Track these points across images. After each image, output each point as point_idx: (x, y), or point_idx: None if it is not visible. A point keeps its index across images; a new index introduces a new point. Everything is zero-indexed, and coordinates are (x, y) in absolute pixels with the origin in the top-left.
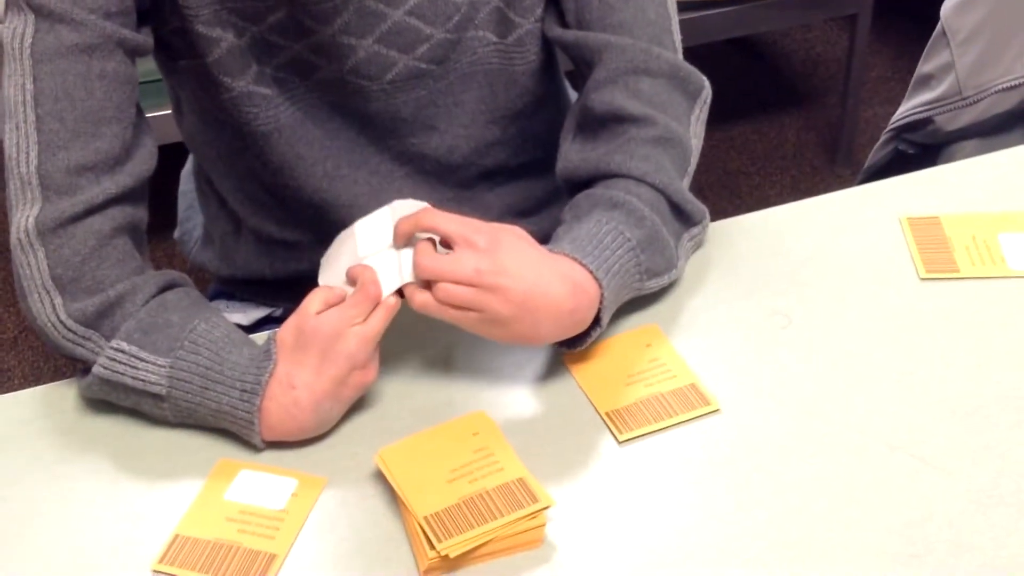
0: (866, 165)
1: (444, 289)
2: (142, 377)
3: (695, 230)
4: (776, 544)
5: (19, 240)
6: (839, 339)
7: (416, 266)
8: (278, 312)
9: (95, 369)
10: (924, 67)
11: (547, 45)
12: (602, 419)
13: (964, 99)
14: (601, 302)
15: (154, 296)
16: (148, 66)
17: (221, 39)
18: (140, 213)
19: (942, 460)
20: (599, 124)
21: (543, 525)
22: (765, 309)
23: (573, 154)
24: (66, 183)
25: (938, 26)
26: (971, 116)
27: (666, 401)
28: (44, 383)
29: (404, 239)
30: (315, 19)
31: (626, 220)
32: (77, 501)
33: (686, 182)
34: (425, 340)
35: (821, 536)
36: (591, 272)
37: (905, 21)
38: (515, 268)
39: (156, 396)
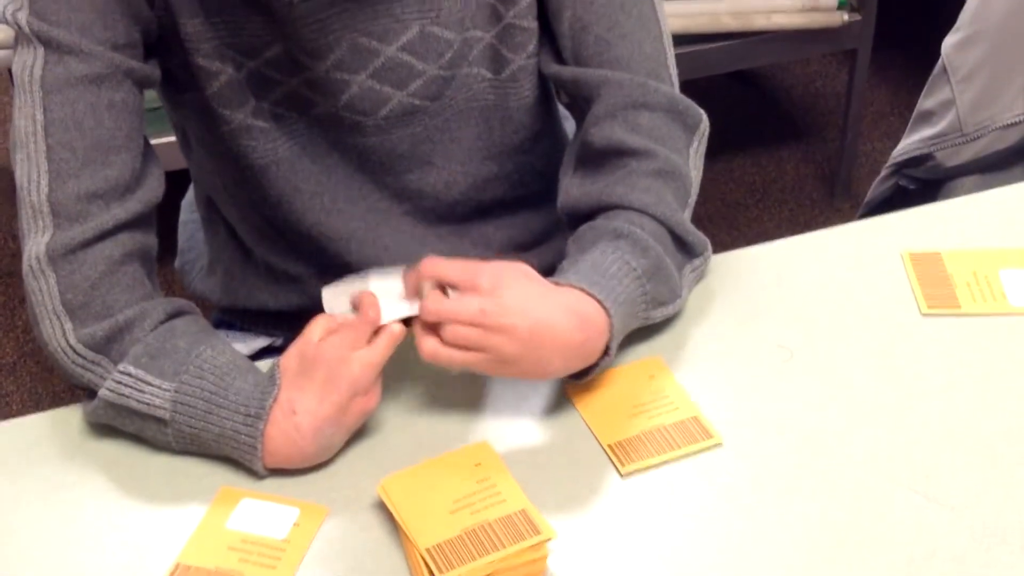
0: (866, 200)
1: (451, 331)
2: (147, 400)
3: (697, 261)
4: None
5: (31, 267)
6: (841, 374)
7: (422, 311)
8: (279, 342)
9: (101, 392)
10: (925, 103)
11: (542, 80)
12: (605, 451)
13: (965, 135)
14: (610, 332)
15: (163, 322)
16: (149, 94)
17: (220, 72)
18: (150, 240)
19: (944, 496)
20: (599, 158)
21: (545, 557)
22: (767, 343)
23: (574, 188)
24: (76, 210)
25: (939, 62)
26: (972, 152)
27: (669, 434)
28: (43, 408)
29: (413, 292)
30: (309, 55)
31: (631, 250)
32: (79, 528)
33: (687, 214)
34: (428, 370)
35: (823, 571)
36: (599, 302)
37: (905, 56)
38: (520, 306)
39: (160, 421)
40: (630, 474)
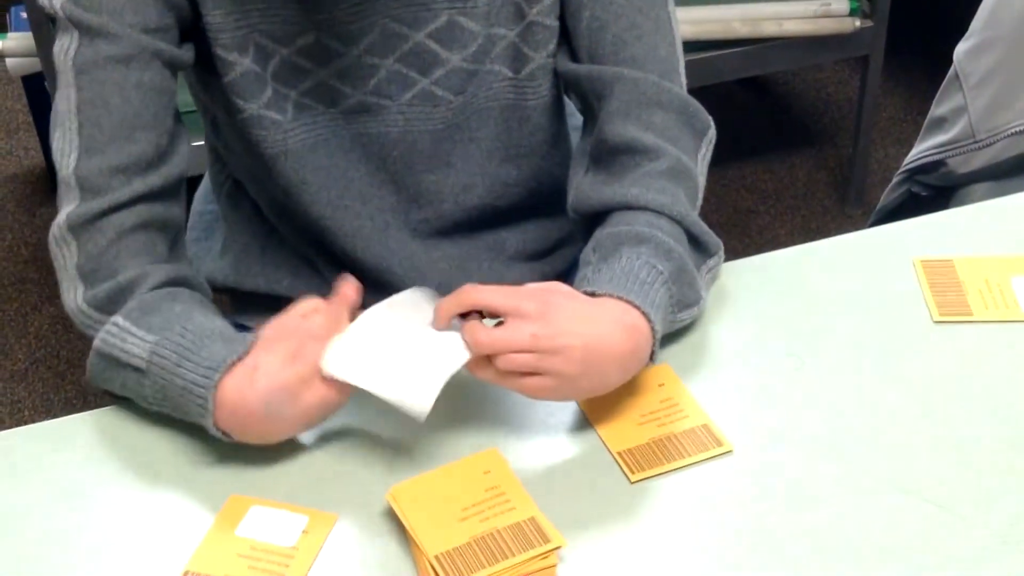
0: (878, 206)
1: (505, 360)
2: (128, 349)
3: (712, 262)
4: None
5: (54, 236)
6: (852, 381)
7: (474, 343)
8: None
9: (94, 344)
10: (937, 110)
11: (557, 82)
12: (614, 459)
13: (977, 142)
14: (654, 336)
15: (164, 284)
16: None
17: (237, 63)
18: (172, 211)
19: (956, 505)
20: (612, 156)
21: (554, 565)
22: (778, 350)
23: (586, 187)
24: (99, 183)
25: (951, 69)
26: (984, 159)
27: (678, 442)
28: (55, 414)
29: (446, 319)
30: (342, 40)
31: (655, 253)
32: (89, 535)
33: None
34: None
35: None
36: (639, 308)
37: (917, 62)
38: (570, 326)
39: (138, 371)
40: (639, 482)
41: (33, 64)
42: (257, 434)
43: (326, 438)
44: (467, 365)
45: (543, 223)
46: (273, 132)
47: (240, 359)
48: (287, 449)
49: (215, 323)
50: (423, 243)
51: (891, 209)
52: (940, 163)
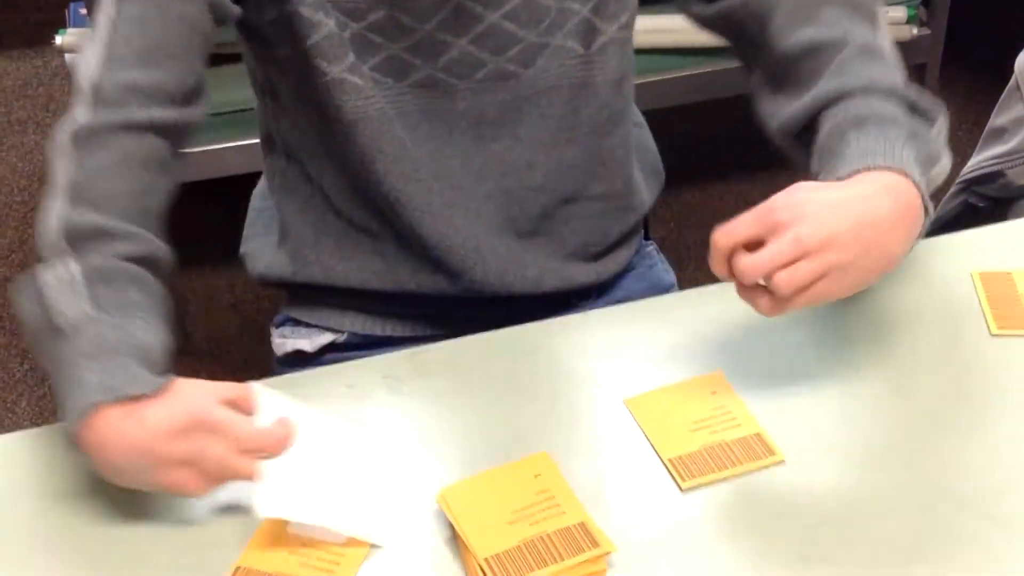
0: (935, 216)
1: (780, 279)
2: (61, 302)
3: (938, 126)
4: None
5: (57, 143)
6: (908, 393)
7: (741, 274)
8: (342, 338)
9: (42, 271)
10: (996, 120)
11: (624, 59)
12: (664, 466)
13: None
14: (918, 188)
15: (139, 257)
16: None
17: (323, 24)
18: (177, 164)
19: (1012, 520)
20: (796, 65)
21: (604, 570)
22: (832, 360)
23: (783, 107)
24: (117, 97)
25: (1012, 79)
26: None
27: (730, 450)
28: (51, 422)
29: (724, 271)
30: (413, 16)
31: (880, 124)
32: (141, 529)
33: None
34: (485, 380)
35: None
36: (892, 168)
37: (975, 71)
38: (828, 214)
39: (55, 327)
40: (690, 489)
41: None
42: (106, 470)
43: (377, 438)
44: (755, 305)
45: (603, 216)
46: (354, 97)
47: (140, 398)
48: None
49: (150, 338)
50: (487, 227)
51: (948, 220)
52: (999, 174)
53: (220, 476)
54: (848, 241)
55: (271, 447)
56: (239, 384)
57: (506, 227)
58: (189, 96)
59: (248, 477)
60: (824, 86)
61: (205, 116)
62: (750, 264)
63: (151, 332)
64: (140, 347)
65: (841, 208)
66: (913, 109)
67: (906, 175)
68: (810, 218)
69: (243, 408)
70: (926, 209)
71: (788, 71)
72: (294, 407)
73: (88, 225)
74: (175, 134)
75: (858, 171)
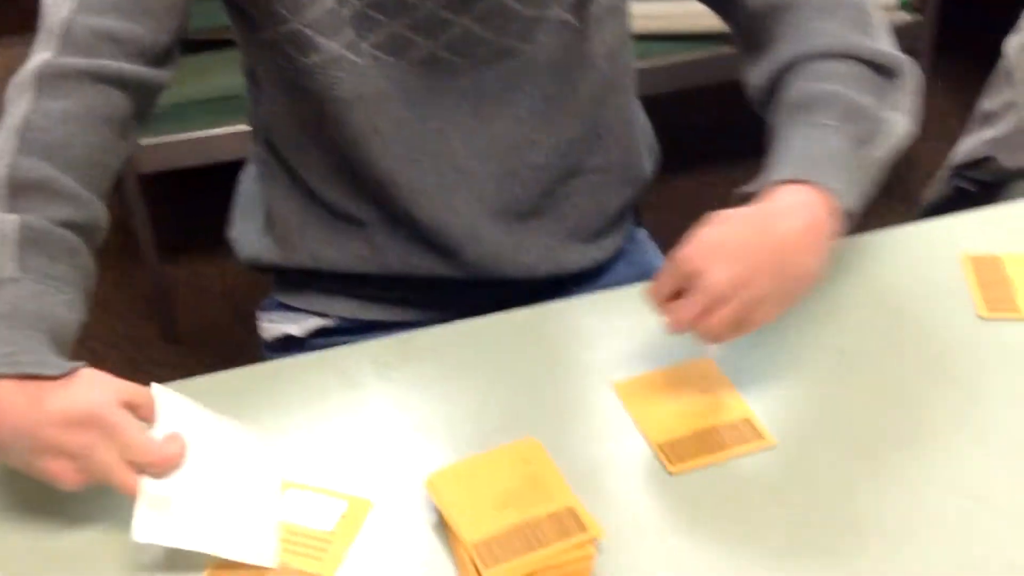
0: (925, 201)
1: (703, 330)
2: None
3: (899, 81)
4: None
5: (15, 81)
6: (897, 376)
7: (671, 330)
8: (331, 323)
9: None
10: (986, 104)
11: (618, 28)
12: (653, 451)
13: None
14: (830, 193)
15: (79, 224)
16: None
17: None
18: (136, 123)
19: (1000, 502)
20: (760, 25)
21: (592, 555)
22: (822, 344)
23: (754, 72)
24: (88, 42)
25: (1001, 63)
26: None
27: (719, 435)
28: None
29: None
30: None
31: (810, 110)
32: (127, 513)
33: (876, 35)
34: (475, 366)
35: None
36: (795, 180)
37: (966, 56)
38: (736, 252)
39: None
40: (679, 474)
41: None
42: None
43: (364, 424)
44: (699, 342)
45: (600, 195)
46: (351, 74)
47: (44, 378)
48: (325, 435)
49: (69, 315)
50: (487, 209)
51: (937, 204)
52: (988, 158)
53: (99, 478)
54: (760, 274)
55: (157, 463)
56: (143, 388)
57: (507, 208)
58: (161, 57)
59: (125, 490)
60: (780, 53)
61: (169, 83)
62: (672, 322)
63: (72, 309)
64: (56, 323)
65: (751, 240)
66: (874, 66)
67: (820, 187)
68: (720, 261)
69: (142, 414)
70: (849, 212)
71: (753, 35)
72: (197, 415)
73: (35, 178)
74: (141, 94)
75: (766, 186)
